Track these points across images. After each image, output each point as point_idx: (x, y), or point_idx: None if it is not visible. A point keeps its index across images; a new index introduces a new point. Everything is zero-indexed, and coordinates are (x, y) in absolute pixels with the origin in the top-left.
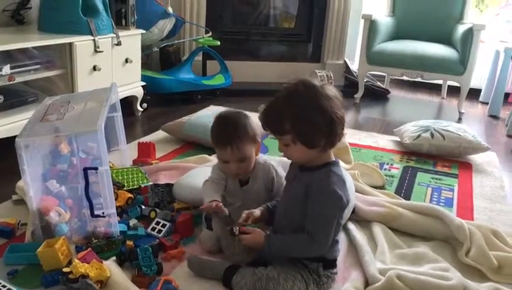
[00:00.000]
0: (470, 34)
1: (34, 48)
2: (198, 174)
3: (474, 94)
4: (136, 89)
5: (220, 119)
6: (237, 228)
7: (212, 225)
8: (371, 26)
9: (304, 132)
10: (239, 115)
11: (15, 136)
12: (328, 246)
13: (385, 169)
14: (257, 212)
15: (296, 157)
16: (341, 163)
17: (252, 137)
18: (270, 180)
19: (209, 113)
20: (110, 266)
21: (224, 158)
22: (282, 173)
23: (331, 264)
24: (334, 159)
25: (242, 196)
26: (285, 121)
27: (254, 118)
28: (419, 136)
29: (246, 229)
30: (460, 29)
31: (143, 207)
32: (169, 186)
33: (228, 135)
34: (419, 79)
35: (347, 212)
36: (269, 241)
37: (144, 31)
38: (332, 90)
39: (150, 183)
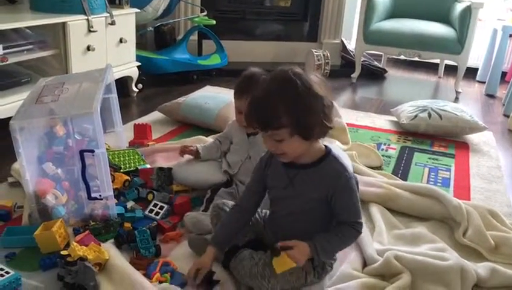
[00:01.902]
0: (467, 12)
1: (26, 27)
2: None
3: (471, 73)
4: (131, 70)
5: (247, 73)
6: (276, 247)
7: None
8: (368, 4)
9: (302, 122)
10: (264, 74)
11: (8, 118)
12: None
13: (382, 149)
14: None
15: (291, 152)
16: (338, 143)
17: None
18: None
19: (204, 94)
20: (109, 249)
21: (239, 107)
22: None
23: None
24: (324, 145)
25: (249, 148)
26: (281, 114)
27: None
28: (416, 116)
29: (285, 244)
30: (458, 7)
31: (140, 189)
32: (171, 170)
33: (249, 86)
34: (416, 58)
35: None
36: (316, 247)
37: (138, 10)
38: (318, 76)
39: (155, 167)
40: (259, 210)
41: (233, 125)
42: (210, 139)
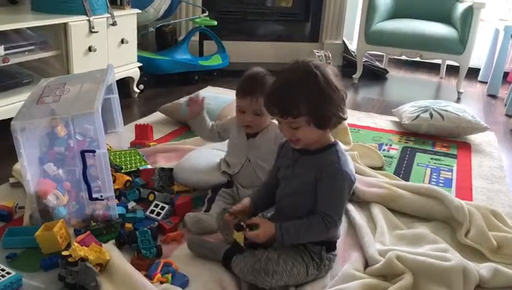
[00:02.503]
0: (469, 12)
1: (28, 28)
2: (199, 156)
3: (473, 73)
4: (133, 70)
5: (250, 73)
6: (242, 224)
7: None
8: (370, 4)
9: (320, 112)
10: (267, 74)
11: (9, 119)
12: (340, 223)
13: (384, 150)
14: (246, 200)
15: (306, 139)
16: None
17: None
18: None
19: (206, 95)
20: (110, 249)
21: (242, 107)
22: None
23: (332, 246)
24: (334, 140)
25: (248, 151)
26: (301, 103)
27: None
28: (418, 116)
29: (252, 221)
30: (460, 7)
31: (141, 190)
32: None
33: (252, 87)
34: (418, 59)
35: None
36: (282, 231)
37: (140, 11)
38: (334, 69)
39: (157, 167)
40: (264, 213)
41: (233, 122)
42: None
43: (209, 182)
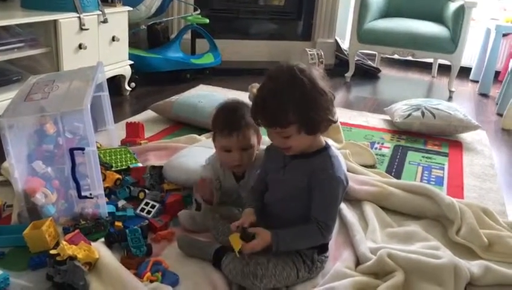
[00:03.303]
0: (461, 11)
1: (17, 25)
2: (189, 154)
3: (464, 72)
4: (124, 68)
5: (226, 107)
6: (250, 232)
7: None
8: (362, 3)
9: (309, 119)
10: (243, 104)
11: None
12: (333, 228)
13: (376, 148)
14: (252, 217)
15: (297, 147)
16: (332, 142)
17: (255, 126)
18: None
19: (198, 93)
20: (99, 248)
21: (228, 146)
22: None
23: (324, 248)
24: (325, 142)
25: (240, 191)
26: (289, 112)
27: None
28: (409, 114)
29: (249, 231)
30: (452, 6)
31: (132, 188)
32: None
33: (235, 122)
34: (410, 57)
35: None
36: (278, 239)
37: (131, 8)
38: (319, 70)
39: (148, 165)
40: None
41: (217, 167)
42: (203, 138)
43: (197, 179)
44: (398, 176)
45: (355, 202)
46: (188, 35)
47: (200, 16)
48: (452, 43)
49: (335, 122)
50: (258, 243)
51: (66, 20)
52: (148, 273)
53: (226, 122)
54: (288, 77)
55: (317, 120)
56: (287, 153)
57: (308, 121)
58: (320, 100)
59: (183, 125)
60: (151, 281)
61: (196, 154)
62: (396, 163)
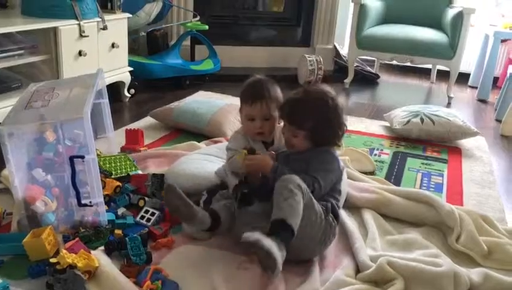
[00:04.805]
0: (459, 17)
1: (17, 32)
2: (189, 161)
3: (463, 78)
4: (123, 75)
5: (255, 79)
6: (255, 149)
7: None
8: (361, 10)
9: (319, 133)
10: (269, 80)
11: None
12: (325, 192)
13: (375, 155)
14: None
15: (299, 148)
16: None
17: (279, 101)
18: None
19: (197, 100)
20: (99, 256)
21: (252, 114)
22: None
23: (336, 214)
24: None
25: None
26: (307, 120)
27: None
28: (409, 121)
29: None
30: (450, 13)
31: (131, 195)
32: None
33: (261, 92)
34: (408, 63)
35: (343, 195)
36: (277, 168)
37: (131, 15)
38: (342, 103)
39: (149, 173)
40: None
41: (245, 135)
42: (202, 145)
43: (201, 186)
44: (397, 182)
45: (355, 209)
46: (187, 42)
47: (199, 23)
48: (451, 49)
49: (339, 146)
50: (262, 156)
51: (66, 27)
52: (148, 282)
53: (252, 92)
54: (320, 95)
55: (325, 137)
56: (288, 149)
57: (318, 134)
58: (334, 124)
59: (182, 132)
60: None
61: (197, 161)
62: (395, 170)
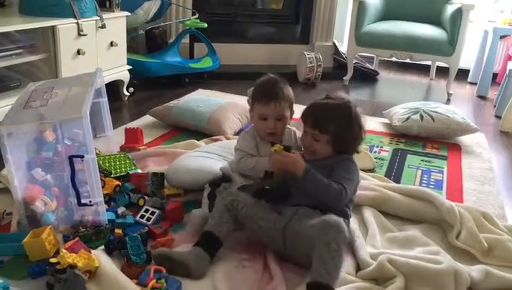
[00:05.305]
0: (459, 14)
1: (16, 31)
2: (190, 158)
3: (462, 75)
4: (122, 73)
5: (269, 78)
6: (290, 146)
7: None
8: (360, 6)
9: (342, 138)
10: (282, 80)
11: None
12: (347, 201)
13: (375, 152)
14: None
15: (319, 154)
16: None
17: (291, 101)
18: (294, 145)
19: (196, 98)
20: (99, 256)
21: (265, 114)
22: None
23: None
24: None
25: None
26: (331, 124)
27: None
28: (408, 118)
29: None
30: (449, 9)
31: (131, 195)
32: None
33: (276, 91)
34: (408, 60)
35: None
36: (309, 170)
37: (129, 13)
38: (364, 115)
39: (149, 172)
40: None
41: (255, 136)
42: (202, 144)
43: (203, 180)
44: (397, 179)
45: (355, 206)
46: (186, 40)
47: (198, 20)
48: (450, 46)
49: (358, 152)
50: (295, 155)
51: (64, 26)
52: (153, 281)
53: (266, 91)
54: (344, 103)
55: (346, 143)
56: (308, 157)
57: (340, 139)
58: (356, 131)
59: (182, 130)
60: (155, 289)
61: (197, 157)
62: (395, 167)
